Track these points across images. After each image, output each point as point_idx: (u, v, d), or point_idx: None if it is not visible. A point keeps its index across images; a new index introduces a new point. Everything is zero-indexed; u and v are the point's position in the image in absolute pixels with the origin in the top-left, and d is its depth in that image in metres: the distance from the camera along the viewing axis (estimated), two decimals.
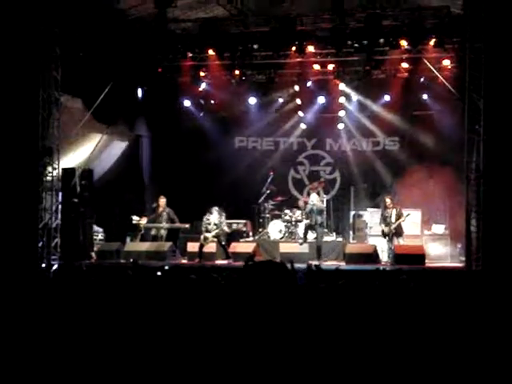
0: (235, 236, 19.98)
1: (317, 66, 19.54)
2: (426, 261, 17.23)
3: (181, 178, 21.18)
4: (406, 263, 16.29)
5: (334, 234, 20.27)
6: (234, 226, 20.28)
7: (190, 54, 19.12)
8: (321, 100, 21.01)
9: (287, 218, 20.18)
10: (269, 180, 20.77)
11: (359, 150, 22.09)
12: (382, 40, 17.45)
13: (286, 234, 20.01)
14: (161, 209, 18.95)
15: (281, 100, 21.63)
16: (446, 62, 18.38)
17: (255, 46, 18.33)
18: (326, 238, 19.13)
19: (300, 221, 19.72)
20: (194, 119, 21.82)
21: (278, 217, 20.49)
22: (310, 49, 18.20)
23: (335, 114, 21.55)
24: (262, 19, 18.07)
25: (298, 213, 20.05)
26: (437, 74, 18.38)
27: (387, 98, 20.41)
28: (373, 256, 17.88)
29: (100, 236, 19.90)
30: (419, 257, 17.07)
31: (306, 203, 19.09)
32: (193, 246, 18.45)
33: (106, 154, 20.27)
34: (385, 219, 18.21)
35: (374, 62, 18.73)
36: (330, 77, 20.21)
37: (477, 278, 14.15)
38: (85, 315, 5.79)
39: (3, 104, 15.56)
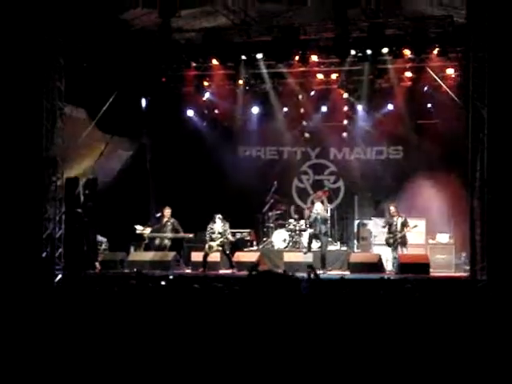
0: (239, 245, 19.95)
1: (320, 76, 19.58)
2: (431, 270, 17.21)
3: (184, 188, 21.17)
4: (411, 272, 16.27)
5: (339, 243, 20.23)
6: (238, 236, 20.26)
7: (194, 64, 19.16)
8: (323, 109, 21.00)
9: (291, 227, 20.15)
10: (272, 189, 20.75)
11: (363, 159, 22.08)
12: (385, 49, 17.47)
13: (290, 244, 19.99)
14: (165, 219, 18.97)
15: (284, 109, 21.63)
16: (450, 71, 18.40)
17: (258, 56, 18.36)
18: (331, 247, 19.10)
19: (304, 230, 19.70)
20: (197, 129, 21.84)
21: (282, 226, 20.48)
22: (314, 58, 18.24)
23: (339, 123, 21.55)
24: (265, 28, 18.11)
25: (302, 222, 20.04)
26: (440, 82, 18.39)
27: (390, 106, 20.41)
28: (377, 265, 17.86)
29: (104, 246, 19.90)
30: (424, 266, 17.05)
31: (310, 212, 19.07)
32: (197, 256, 18.44)
33: (109, 163, 20.28)
34: (390, 228, 18.20)
35: (377, 71, 18.77)
36: (333, 86, 20.24)
37: (481, 288, 14.12)
38: (89, 325, 5.78)
39: (7, 114, 15.59)
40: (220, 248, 18.00)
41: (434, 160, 19.92)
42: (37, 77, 15.95)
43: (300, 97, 20.74)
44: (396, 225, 18.12)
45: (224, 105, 21.32)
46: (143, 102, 20.86)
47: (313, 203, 19.64)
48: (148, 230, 19.42)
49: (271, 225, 20.70)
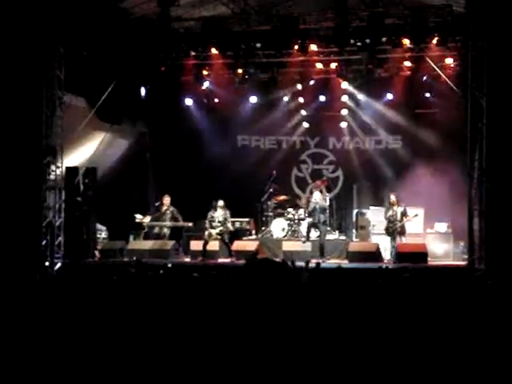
0: (238, 234, 19.99)
1: (319, 65, 19.57)
2: (429, 259, 17.26)
3: (184, 177, 21.20)
4: (409, 261, 16.33)
5: (337, 232, 20.27)
6: (238, 225, 20.30)
7: (193, 53, 19.16)
8: (322, 98, 21.00)
9: (290, 216, 20.18)
10: (271, 178, 20.77)
11: (362, 149, 22.11)
12: (384, 38, 17.49)
13: (289, 233, 20.02)
14: (165, 207, 18.99)
15: (284, 98, 21.62)
16: (449, 61, 18.39)
17: (258, 45, 18.35)
18: (329, 237, 19.14)
19: (303, 219, 19.74)
20: (196, 118, 21.85)
21: (281, 215, 20.51)
22: (313, 47, 18.23)
23: (338, 113, 21.56)
24: (264, 18, 18.09)
25: (300, 211, 20.07)
26: (439, 72, 18.38)
27: (390, 96, 20.42)
28: (375, 254, 17.90)
29: (103, 234, 19.94)
30: (422, 255, 17.10)
31: (308, 201, 19.09)
32: (196, 245, 18.48)
33: (109, 152, 20.29)
34: (389, 217, 18.24)
35: (376, 60, 18.74)
36: (332, 75, 20.23)
37: (479, 277, 14.17)
38: (88, 313, 5.82)
39: (7, 103, 15.59)
40: (219, 236, 18.04)
41: (433, 149, 19.96)
42: (37, 65, 15.92)
43: (299, 86, 20.73)
44: (396, 214, 18.16)
45: (223, 94, 21.30)
46: (142, 91, 20.84)
47: (311, 192, 19.66)
48: (147, 219, 19.46)
49: (270, 214, 20.73)
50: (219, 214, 18.09)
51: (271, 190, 20.72)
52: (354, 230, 20.59)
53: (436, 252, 18.37)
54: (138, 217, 19.52)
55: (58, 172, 16.66)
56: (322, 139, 22.67)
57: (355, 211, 20.68)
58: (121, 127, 20.64)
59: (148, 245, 18.72)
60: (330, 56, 19.05)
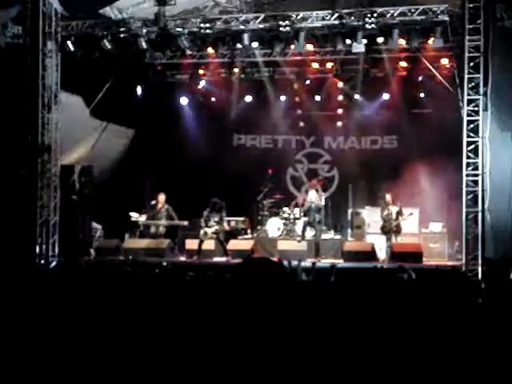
0: (234, 233, 20.00)
1: (315, 65, 19.59)
2: (424, 259, 17.29)
3: (179, 176, 21.19)
4: (404, 261, 16.33)
5: (333, 231, 20.29)
6: (233, 224, 20.31)
7: (189, 52, 19.14)
8: (318, 98, 21.02)
9: (285, 215, 20.20)
10: (267, 178, 20.78)
11: (357, 148, 22.14)
12: (380, 39, 17.48)
13: (285, 232, 20.03)
14: (160, 205, 18.98)
15: (279, 98, 21.63)
16: (445, 61, 18.43)
17: (254, 44, 18.35)
18: (324, 236, 19.16)
19: (298, 218, 19.75)
20: (192, 117, 21.86)
21: (277, 214, 20.52)
22: (309, 47, 18.23)
23: (334, 113, 21.59)
24: (260, 17, 18.08)
25: (296, 210, 20.08)
26: (435, 72, 18.42)
27: (385, 96, 20.45)
28: (371, 254, 17.93)
29: (99, 233, 19.92)
30: (417, 255, 17.14)
31: (304, 201, 19.12)
32: (191, 244, 18.48)
33: (104, 151, 20.28)
34: (385, 217, 18.29)
35: (372, 60, 18.77)
36: (328, 75, 20.26)
37: (473, 277, 14.21)
38: (83, 312, 5.82)
39: (3, 101, 15.59)
40: (215, 236, 18.02)
41: (428, 149, 19.97)
42: (33, 64, 15.93)
43: (295, 86, 20.75)
44: (391, 213, 18.22)
45: (219, 93, 21.32)
46: (138, 90, 20.85)
47: (307, 192, 19.68)
48: (143, 218, 19.44)
49: (266, 213, 20.74)
50: (215, 212, 18.05)
51: (267, 189, 20.73)
52: (349, 230, 20.62)
53: (431, 252, 18.42)
54: (134, 215, 19.51)
55: (54, 170, 16.67)
56: (317, 139, 22.69)
57: (350, 211, 20.71)
58: (116, 126, 20.63)
59: (143, 243, 18.71)
60: (325, 56, 19.07)
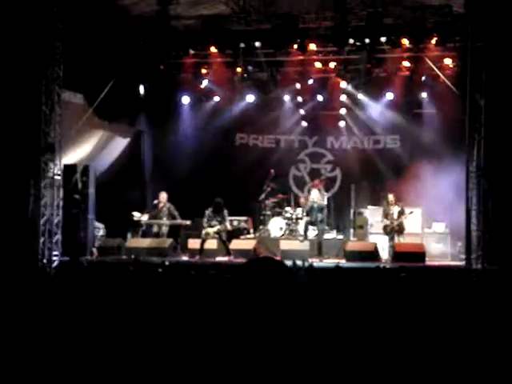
0: (236, 233, 19.98)
1: (318, 64, 19.57)
2: (427, 259, 17.27)
3: (182, 175, 21.18)
4: (406, 261, 16.33)
5: (335, 231, 20.28)
6: (235, 223, 20.29)
7: (192, 51, 19.16)
8: (320, 98, 21.01)
9: (288, 215, 20.18)
10: (269, 177, 20.76)
11: (360, 148, 22.14)
12: (383, 38, 17.49)
13: (287, 232, 20.02)
14: (161, 204, 18.95)
15: (282, 97, 21.62)
16: (448, 61, 18.42)
17: (257, 44, 18.35)
18: (327, 236, 19.14)
19: (301, 218, 19.74)
20: (195, 116, 21.86)
21: (279, 214, 20.51)
22: (312, 47, 18.23)
23: (336, 112, 21.59)
24: (264, 16, 18.09)
25: (298, 210, 20.07)
26: (438, 72, 18.42)
27: (388, 96, 20.43)
28: (373, 254, 17.90)
29: (101, 232, 19.90)
30: (419, 255, 17.12)
31: (306, 200, 19.12)
32: (194, 243, 18.45)
33: (107, 150, 20.29)
34: (386, 216, 18.30)
35: (375, 60, 18.79)
36: (331, 75, 20.23)
37: (477, 277, 14.18)
38: (85, 311, 5.82)
39: (5, 100, 15.58)
40: (217, 235, 17.98)
41: (431, 149, 19.97)
42: (35, 62, 15.91)
43: (298, 85, 20.74)
44: (393, 213, 18.24)
45: (222, 92, 21.31)
46: (141, 89, 20.85)
47: (310, 192, 19.68)
48: (145, 217, 19.42)
49: (268, 213, 20.73)
50: (217, 212, 18.00)
51: (269, 189, 20.71)
52: (351, 230, 20.61)
53: (434, 252, 18.41)
54: (136, 215, 19.49)
55: (56, 169, 16.65)
56: (320, 138, 22.70)
57: (353, 210, 20.70)
58: (119, 125, 20.62)
59: (146, 243, 18.69)
60: (328, 55, 19.06)
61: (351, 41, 17.65)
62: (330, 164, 22.70)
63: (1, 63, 15.46)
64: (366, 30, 17.21)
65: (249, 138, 22.90)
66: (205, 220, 18.03)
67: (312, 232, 18.65)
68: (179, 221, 18.96)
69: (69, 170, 18.06)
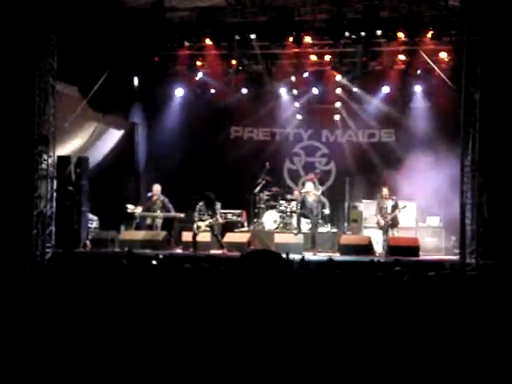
0: (230, 226, 19.96)
1: (314, 57, 19.55)
2: (421, 253, 17.28)
3: (176, 167, 21.14)
4: (400, 255, 16.31)
5: (329, 225, 20.27)
6: (229, 216, 20.26)
7: (187, 43, 19.11)
8: (315, 91, 20.98)
9: (282, 208, 20.17)
10: (264, 170, 20.73)
11: (355, 142, 22.12)
12: (379, 32, 17.46)
13: (281, 225, 20.00)
14: (155, 197, 18.92)
15: (277, 90, 21.57)
16: (443, 55, 18.42)
17: (252, 36, 18.31)
18: (321, 229, 19.14)
19: (295, 211, 19.72)
20: (189, 108, 21.81)
21: (273, 207, 20.49)
22: (307, 39, 18.23)
23: (331, 106, 21.57)
24: (259, 9, 18.04)
25: (293, 203, 20.05)
26: (433, 66, 18.41)
27: (384, 89, 20.43)
28: (367, 247, 17.91)
29: (95, 224, 19.87)
30: (413, 249, 17.12)
31: (300, 194, 19.12)
32: (187, 236, 18.42)
33: (101, 142, 20.24)
34: (380, 210, 18.30)
35: (370, 53, 18.77)
36: (326, 68, 20.21)
37: (471, 271, 14.20)
38: (79, 303, 5.79)
39: None
40: (208, 229, 17.94)
41: (426, 143, 19.96)
42: (30, 54, 15.84)
43: (293, 78, 20.71)
44: (387, 207, 18.24)
45: (217, 85, 21.27)
46: (135, 81, 20.79)
47: (304, 185, 19.67)
48: (139, 209, 19.38)
49: (262, 206, 20.70)
50: (209, 205, 17.95)
51: (264, 182, 20.68)
52: (345, 223, 20.61)
53: (428, 246, 18.43)
54: (130, 207, 19.45)
55: (50, 161, 16.59)
56: (315, 132, 22.66)
57: (347, 204, 20.69)
58: (113, 117, 20.57)
59: (140, 235, 18.67)
60: (324, 48, 19.04)
61: (347, 34, 17.63)
62: (325, 157, 22.68)
63: None
64: (362, 23, 17.18)
65: (244, 130, 22.86)
66: (196, 214, 17.99)
67: (306, 225, 18.64)
68: (173, 213, 18.94)
69: (62, 161, 18.02)
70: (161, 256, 13.75)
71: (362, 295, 6.73)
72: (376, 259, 15.48)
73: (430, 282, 8.71)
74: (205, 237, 18.05)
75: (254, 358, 3.12)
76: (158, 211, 18.86)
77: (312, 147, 22.81)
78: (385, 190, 18.42)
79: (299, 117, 22.25)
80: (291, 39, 18.10)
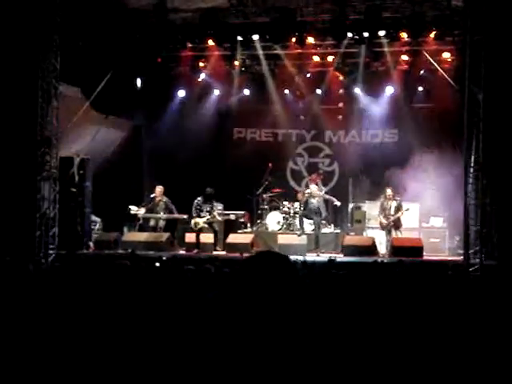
0: (233, 227, 19.95)
1: (316, 58, 19.53)
2: (424, 253, 17.24)
3: (179, 169, 21.14)
4: (404, 256, 16.28)
5: (333, 225, 20.25)
6: (232, 217, 20.25)
7: (190, 45, 19.10)
8: (319, 91, 20.97)
9: (285, 209, 20.15)
10: (267, 171, 20.71)
11: (358, 142, 22.09)
12: (382, 32, 17.44)
13: (284, 226, 19.99)
14: (158, 198, 18.93)
15: (280, 91, 21.56)
16: (446, 55, 18.40)
17: (255, 37, 18.30)
18: (324, 230, 19.13)
19: (298, 213, 19.70)
20: (192, 109, 21.80)
21: (277, 208, 20.48)
22: (310, 40, 18.19)
23: (334, 106, 21.54)
24: (262, 10, 18.02)
25: (296, 204, 20.04)
26: (436, 66, 18.38)
27: (387, 90, 20.41)
28: (371, 248, 17.88)
29: (98, 226, 19.88)
30: (417, 249, 17.09)
31: (303, 195, 19.10)
32: (191, 237, 18.42)
33: (104, 143, 20.22)
34: (384, 210, 18.27)
35: (373, 54, 18.73)
36: (329, 68, 20.19)
37: (475, 271, 14.18)
38: (82, 305, 5.78)
39: (2, 92, 15.52)
40: (206, 226, 17.91)
41: (429, 144, 19.94)
42: (33, 55, 15.85)
43: (296, 79, 20.69)
44: (390, 208, 18.21)
45: (219, 86, 21.26)
46: (138, 82, 20.79)
47: (307, 186, 19.65)
48: (142, 211, 19.38)
49: (265, 207, 20.69)
50: (206, 202, 17.93)
51: (267, 182, 20.67)
52: (349, 224, 20.58)
53: (431, 246, 18.39)
54: (133, 208, 19.45)
55: (53, 163, 16.59)
56: (318, 132, 22.65)
57: (351, 205, 20.66)
58: (116, 118, 20.56)
59: (143, 237, 18.66)
60: (327, 49, 19.02)
61: (350, 34, 17.60)
62: (328, 158, 22.66)
63: None
64: (365, 23, 17.15)
65: (246, 132, 22.86)
66: (193, 209, 17.95)
67: (309, 226, 18.62)
68: (176, 215, 18.94)
69: (65, 163, 18.01)
70: (164, 257, 13.75)
71: (366, 296, 6.71)
72: (380, 260, 15.47)
73: (433, 282, 8.70)
74: (208, 238, 18.06)
75: (256, 359, 3.10)
76: (161, 213, 18.86)
77: (315, 148, 22.80)
78: (388, 191, 18.40)
79: (302, 117, 22.23)
80: (294, 40, 18.08)
